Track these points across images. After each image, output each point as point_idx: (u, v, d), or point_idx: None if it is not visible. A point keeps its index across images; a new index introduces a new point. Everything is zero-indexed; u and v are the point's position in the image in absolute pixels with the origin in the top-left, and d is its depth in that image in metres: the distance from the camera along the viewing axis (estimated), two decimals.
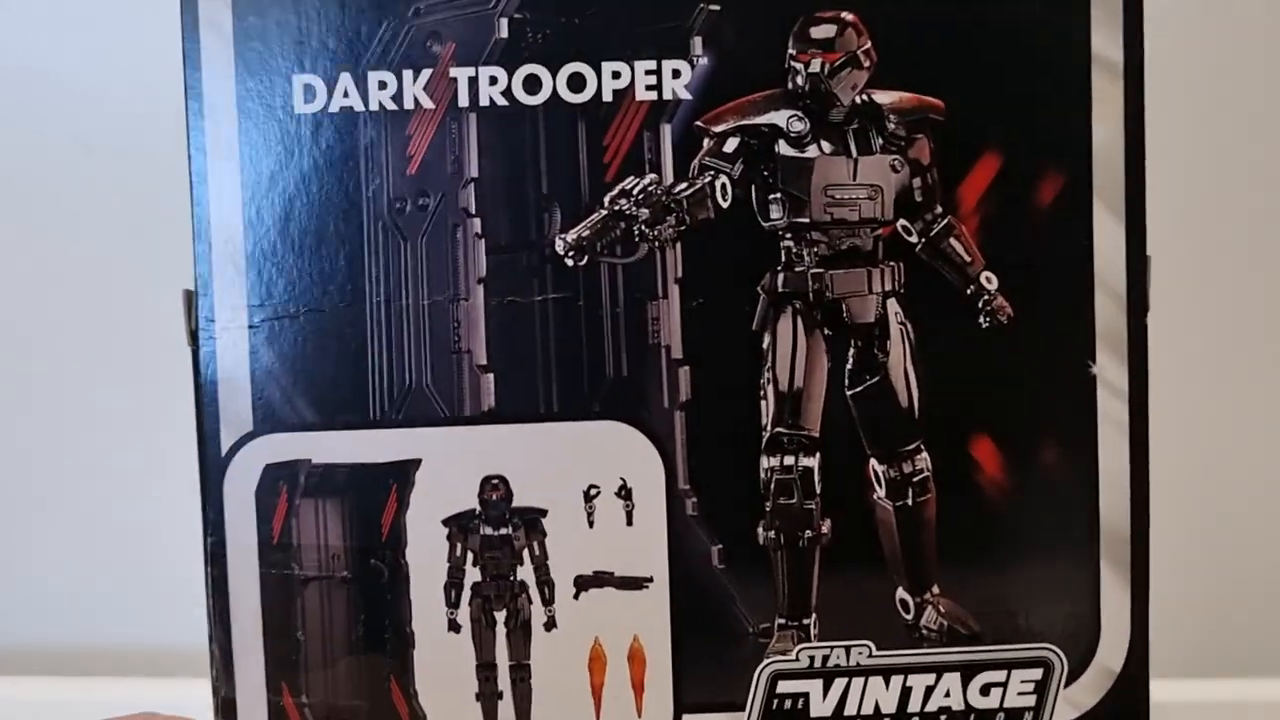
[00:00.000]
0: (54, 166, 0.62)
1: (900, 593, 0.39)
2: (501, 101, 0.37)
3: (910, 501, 0.39)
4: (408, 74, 0.37)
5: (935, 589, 0.39)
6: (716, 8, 0.37)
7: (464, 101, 0.37)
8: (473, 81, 0.37)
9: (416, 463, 0.38)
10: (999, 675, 0.39)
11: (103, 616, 0.62)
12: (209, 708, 0.39)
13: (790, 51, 0.37)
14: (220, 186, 0.37)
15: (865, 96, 0.38)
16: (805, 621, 0.39)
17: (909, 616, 0.39)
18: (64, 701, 0.52)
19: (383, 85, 0.37)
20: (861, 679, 0.39)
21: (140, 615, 0.61)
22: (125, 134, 0.61)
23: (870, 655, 0.39)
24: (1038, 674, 0.39)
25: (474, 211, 0.38)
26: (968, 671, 0.39)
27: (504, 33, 0.37)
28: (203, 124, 0.37)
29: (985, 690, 0.39)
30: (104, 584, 0.62)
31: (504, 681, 0.39)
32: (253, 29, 0.37)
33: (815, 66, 0.37)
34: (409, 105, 0.37)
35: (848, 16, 0.37)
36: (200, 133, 0.37)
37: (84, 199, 0.62)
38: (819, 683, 0.39)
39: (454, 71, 0.37)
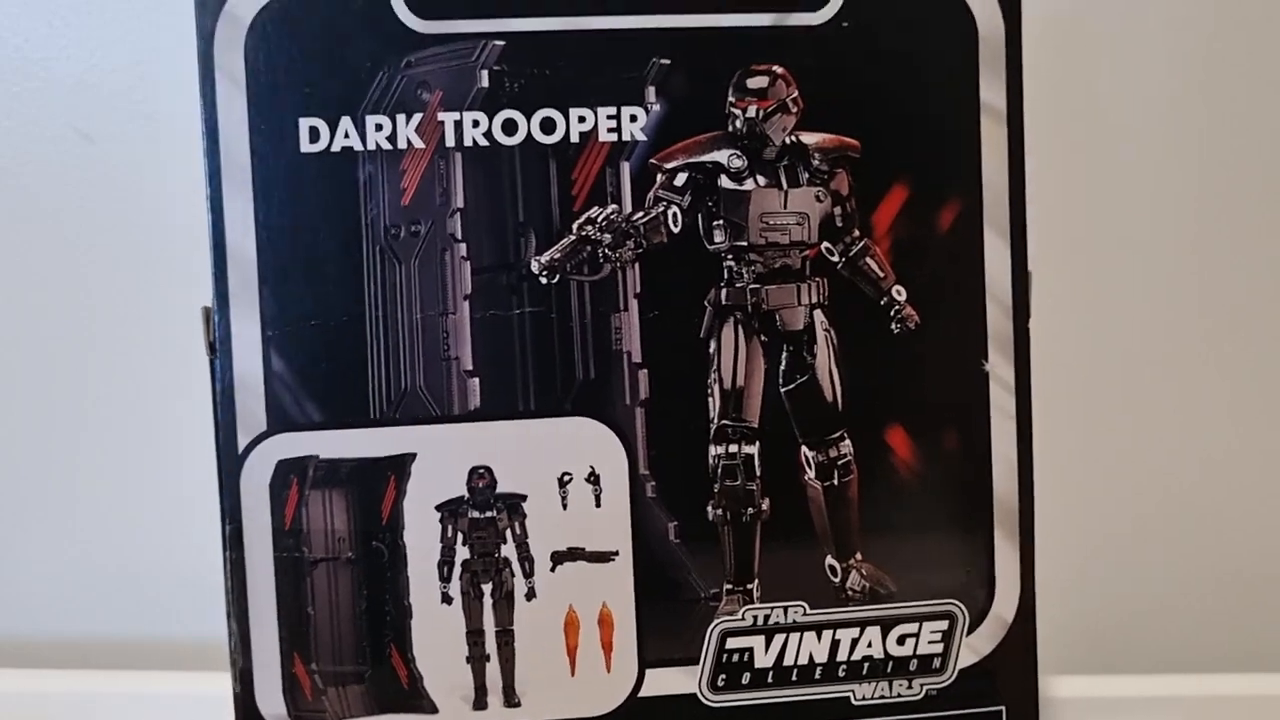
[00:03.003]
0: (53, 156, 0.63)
1: (829, 559, 0.45)
2: (483, 142, 0.43)
3: (836, 482, 0.45)
4: (401, 118, 0.42)
5: (858, 555, 0.45)
6: (667, 62, 0.43)
7: (450, 142, 0.43)
8: (458, 124, 0.43)
9: (412, 456, 0.43)
10: (912, 627, 0.45)
11: (109, 611, 0.63)
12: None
13: (730, 99, 0.43)
14: (234, 214, 0.42)
15: (794, 138, 0.44)
16: (749, 586, 0.45)
17: (836, 580, 0.45)
18: (66, 694, 0.55)
19: (379, 127, 0.42)
20: (798, 634, 0.45)
21: (146, 610, 0.63)
22: (125, 123, 0.62)
23: (805, 614, 0.45)
24: (944, 625, 0.45)
25: (460, 237, 0.43)
26: (886, 625, 0.45)
27: (485, 83, 0.43)
28: (218, 159, 0.42)
29: (901, 640, 0.45)
30: (110, 580, 0.64)
31: (490, 646, 0.44)
32: (263, 78, 0.42)
33: (751, 112, 0.43)
34: (402, 145, 0.43)
35: (778, 69, 0.43)
36: (216, 166, 0.42)
37: (83, 188, 0.63)
38: (761, 638, 0.45)
39: (441, 115, 0.43)
